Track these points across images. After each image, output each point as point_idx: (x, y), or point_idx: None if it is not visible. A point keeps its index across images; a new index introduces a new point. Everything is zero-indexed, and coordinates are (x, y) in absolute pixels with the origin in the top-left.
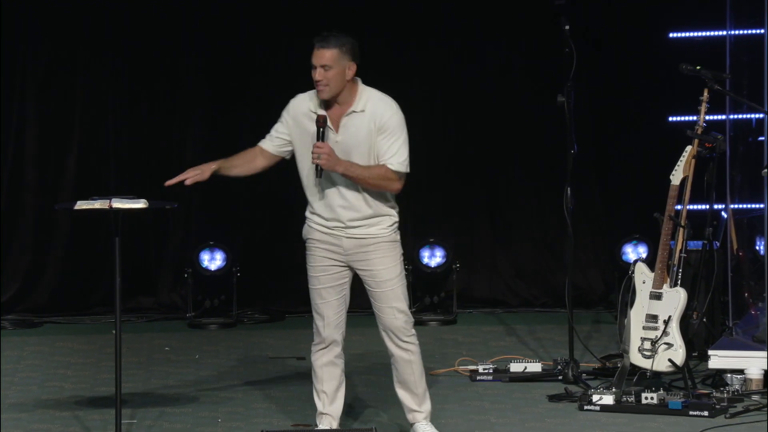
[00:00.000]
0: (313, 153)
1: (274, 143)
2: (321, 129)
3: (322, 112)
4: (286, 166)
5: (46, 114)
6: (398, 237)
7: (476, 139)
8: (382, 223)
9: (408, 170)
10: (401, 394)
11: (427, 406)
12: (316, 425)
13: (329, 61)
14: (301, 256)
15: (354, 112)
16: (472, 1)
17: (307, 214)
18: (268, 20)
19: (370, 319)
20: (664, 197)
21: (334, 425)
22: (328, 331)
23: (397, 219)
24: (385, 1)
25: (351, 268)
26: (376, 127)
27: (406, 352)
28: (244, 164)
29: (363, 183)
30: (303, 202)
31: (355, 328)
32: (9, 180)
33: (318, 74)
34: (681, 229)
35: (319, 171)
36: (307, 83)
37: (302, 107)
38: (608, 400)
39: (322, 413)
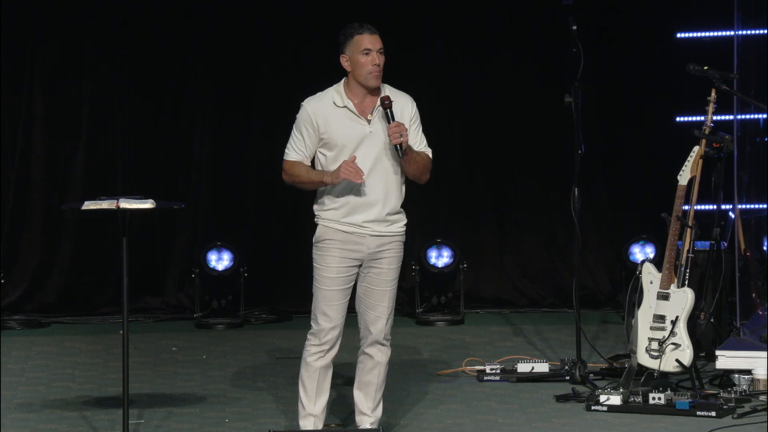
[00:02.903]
0: (391, 133)
1: (308, 152)
2: (389, 110)
3: (346, 104)
4: None
5: (54, 114)
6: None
7: (484, 140)
8: (401, 221)
9: None
10: (357, 395)
11: (378, 413)
12: (299, 427)
13: (382, 45)
14: (308, 256)
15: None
16: (479, 1)
17: (324, 214)
18: (275, 21)
19: None
20: (671, 197)
21: (320, 425)
22: (333, 334)
23: (406, 219)
24: (393, 2)
25: (361, 269)
26: (408, 118)
27: (380, 353)
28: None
29: (414, 167)
30: (310, 202)
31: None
32: (17, 180)
33: (378, 58)
34: (688, 230)
35: (401, 150)
36: (314, 84)
37: (323, 106)
38: (615, 400)
39: (310, 414)
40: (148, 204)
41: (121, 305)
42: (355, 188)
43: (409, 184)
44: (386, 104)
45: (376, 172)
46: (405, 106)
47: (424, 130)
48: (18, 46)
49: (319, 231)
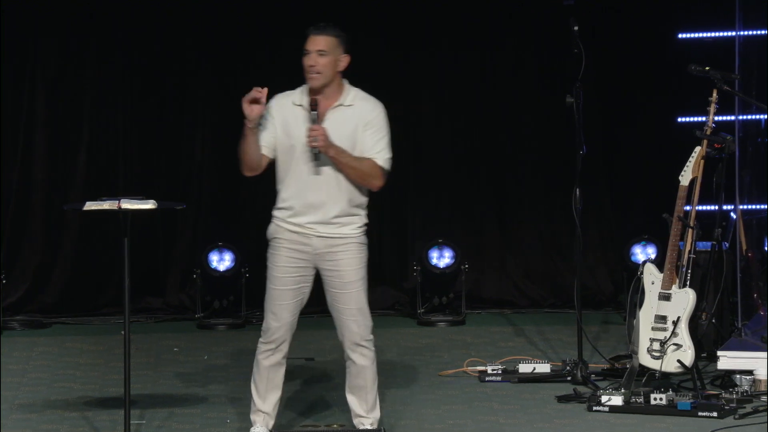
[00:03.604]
0: (308, 136)
1: (266, 141)
2: (315, 112)
3: (303, 103)
4: None
5: (55, 114)
6: (366, 240)
7: (485, 140)
8: (353, 224)
9: (389, 169)
10: (351, 399)
11: (376, 414)
12: (252, 422)
13: (325, 46)
14: None
15: (342, 105)
16: (480, 2)
17: (276, 213)
18: (277, 21)
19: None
20: (673, 198)
21: (271, 423)
22: (281, 333)
23: (366, 221)
24: (394, 2)
25: (316, 270)
26: (364, 123)
27: (362, 357)
28: (257, 151)
29: (350, 172)
30: None
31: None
32: (18, 180)
33: (312, 59)
34: (690, 230)
35: (316, 153)
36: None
37: (284, 103)
38: (617, 400)
39: (260, 410)
40: (149, 204)
41: (122, 306)
42: (300, 190)
43: (410, 184)
44: (313, 106)
45: (324, 174)
46: (364, 110)
47: (425, 132)
48: (19, 46)
49: (270, 229)
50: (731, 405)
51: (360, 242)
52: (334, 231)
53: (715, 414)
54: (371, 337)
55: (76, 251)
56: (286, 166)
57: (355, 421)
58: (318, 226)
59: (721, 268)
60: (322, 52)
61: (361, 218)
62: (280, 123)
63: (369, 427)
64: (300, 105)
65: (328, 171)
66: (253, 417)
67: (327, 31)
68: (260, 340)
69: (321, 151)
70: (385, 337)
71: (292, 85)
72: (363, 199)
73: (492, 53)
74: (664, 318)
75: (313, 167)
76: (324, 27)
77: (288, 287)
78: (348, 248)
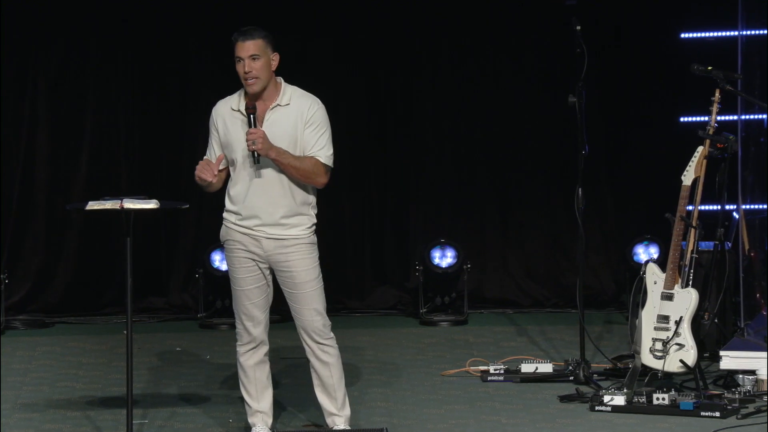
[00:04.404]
0: (247, 139)
1: (214, 154)
2: (252, 115)
3: (240, 107)
4: None
5: (58, 114)
6: (316, 239)
7: (487, 140)
8: (302, 225)
9: (332, 166)
10: (321, 398)
11: (347, 410)
12: (252, 425)
13: (257, 50)
14: None
15: (279, 106)
16: (482, 2)
17: (226, 215)
18: (280, 22)
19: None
20: (675, 198)
21: (269, 422)
22: (257, 331)
23: (315, 221)
24: (398, 3)
25: (271, 268)
26: (303, 121)
27: (324, 354)
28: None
29: (293, 172)
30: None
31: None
32: (21, 180)
33: (247, 66)
34: (692, 230)
35: (257, 157)
36: (319, 84)
37: (223, 109)
38: (619, 400)
39: (257, 411)
40: (152, 204)
41: (125, 305)
42: (244, 194)
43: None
44: (249, 110)
45: (267, 177)
46: (302, 108)
47: (427, 132)
48: (21, 47)
49: (222, 231)
50: (734, 405)
51: (310, 242)
52: (282, 232)
53: (717, 414)
54: (331, 335)
55: (78, 251)
56: (232, 170)
57: (328, 420)
58: (266, 228)
59: (724, 267)
60: (255, 56)
61: (310, 218)
62: (222, 131)
63: (342, 427)
64: (237, 110)
65: (270, 173)
66: (251, 420)
67: (254, 35)
68: (237, 343)
69: (261, 153)
70: (388, 337)
71: (300, 85)
72: (310, 198)
73: (495, 52)
74: (666, 318)
75: (254, 171)
76: (248, 31)
77: (252, 286)
78: (298, 249)
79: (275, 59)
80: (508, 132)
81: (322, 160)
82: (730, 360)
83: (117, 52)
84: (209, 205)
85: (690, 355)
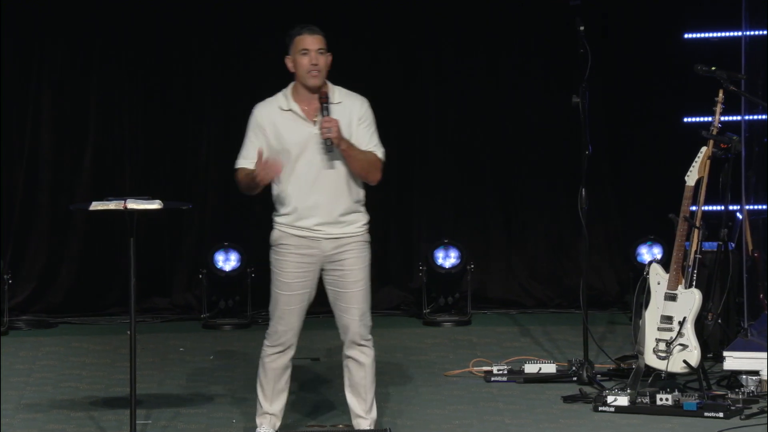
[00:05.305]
0: (322, 127)
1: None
2: (325, 105)
3: (291, 107)
4: None
5: (61, 114)
6: (369, 238)
7: (490, 140)
8: (358, 222)
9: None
10: (350, 399)
11: (373, 414)
12: (258, 424)
13: (323, 45)
14: None
15: (332, 103)
16: (486, 3)
17: (279, 218)
18: (282, 22)
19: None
20: (679, 198)
21: (277, 424)
22: (288, 337)
23: (368, 218)
24: (401, 4)
25: (321, 272)
26: (357, 118)
27: (362, 355)
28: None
29: (356, 165)
30: None
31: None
32: (24, 181)
33: (314, 58)
34: (696, 230)
35: (330, 146)
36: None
37: (270, 111)
38: (623, 401)
39: (267, 412)
40: (155, 205)
41: (128, 306)
42: (302, 192)
43: (416, 184)
44: (322, 99)
45: (324, 173)
46: (354, 106)
47: (431, 133)
48: (25, 47)
49: (274, 235)
50: (737, 405)
51: (365, 240)
52: (341, 231)
53: (721, 414)
54: (371, 336)
55: (82, 251)
56: (283, 171)
57: (354, 422)
58: (325, 227)
59: (727, 268)
60: (321, 50)
61: (364, 215)
62: (271, 132)
63: (367, 428)
64: (289, 110)
65: (327, 170)
66: (259, 419)
67: (318, 31)
68: (266, 343)
69: (335, 142)
70: (391, 338)
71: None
72: (362, 195)
73: (498, 53)
74: (670, 318)
75: (313, 168)
76: (313, 27)
77: (296, 292)
78: (354, 247)
79: (330, 59)
80: (512, 132)
81: (380, 156)
82: (734, 360)
83: (120, 53)
84: (212, 206)
85: (693, 355)
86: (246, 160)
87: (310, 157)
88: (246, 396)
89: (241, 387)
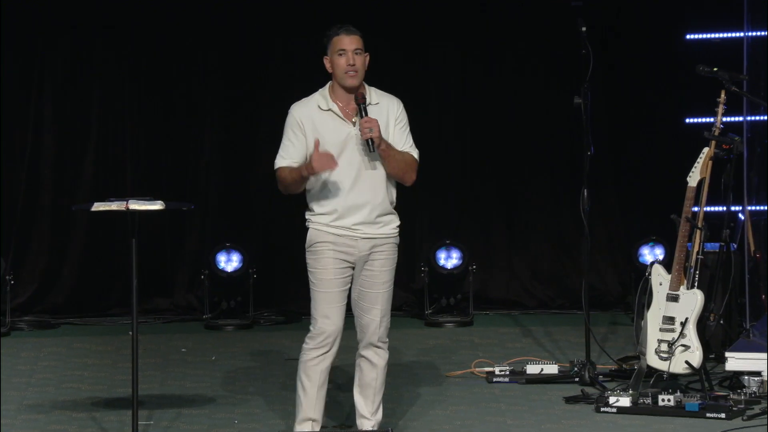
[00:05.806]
0: (363, 128)
1: (298, 157)
2: (362, 105)
3: (331, 107)
4: None
5: (64, 116)
6: (399, 240)
7: (492, 141)
8: (393, 223)
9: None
10: (357, 398)
11: (379, 415)
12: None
13: (360, 45)
14: None
15: (370, 104)
16: (487, 3)
17: (315, 218)
18: (284, 22)
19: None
20: (681, 199)
21: (317, 429)
22: (333, 336)
23: (399, 221)
24: (401, 4)
25: (354, 271)
26: (394, 118)
27: (376, 357)
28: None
29: (395, 165)
30: None
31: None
32: (26, 181)
33: (351, 59)
34: (698, 231)
35: (371, 146)
36: (323, 85)
37: (309, 111)
38: (625, 401)
39: (309, 418)
40: (157, 205)
41: (130, 306)
42: (342, 192)
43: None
44: (360, 99)
45: (364, 174)
46: (390, 106)
47: (433, 133)
48: (27, 48)
49: (310, 235)
50: (739, 406)
51: (396, 243)
52: (377, 231)
53: (723, 415)
54: (387, 339)
55: (84, 252)
56: (336, 169)
57: (358, 422)
58: (364, 227)
59: (729, 269)
60: (358, 50)
61: (396, 217)
62: (311, 131)
63: (371, 428)
64: (329, 109)
65: (367, 170)
66: (299, 426)
67: (355, 31)
68: (310, 346)
69: (375, 142)
70: (393, 338)
71: (300, 86)
72: (395, 196)
73: (500, 54)
74: (672, 319)
75: (352, 169)
76: (350, 27)
77: (337, 289)
78: (386, 249)
79: (368, 59)
80: (514, 133)
81: (416, 156)
82: (736, 361)
83: (123, 54)
84: (214, 207)
85: (695, 356)
86: (286, 160)
87: (349, 156)
88: (248, 397)
89: (243, 388)
